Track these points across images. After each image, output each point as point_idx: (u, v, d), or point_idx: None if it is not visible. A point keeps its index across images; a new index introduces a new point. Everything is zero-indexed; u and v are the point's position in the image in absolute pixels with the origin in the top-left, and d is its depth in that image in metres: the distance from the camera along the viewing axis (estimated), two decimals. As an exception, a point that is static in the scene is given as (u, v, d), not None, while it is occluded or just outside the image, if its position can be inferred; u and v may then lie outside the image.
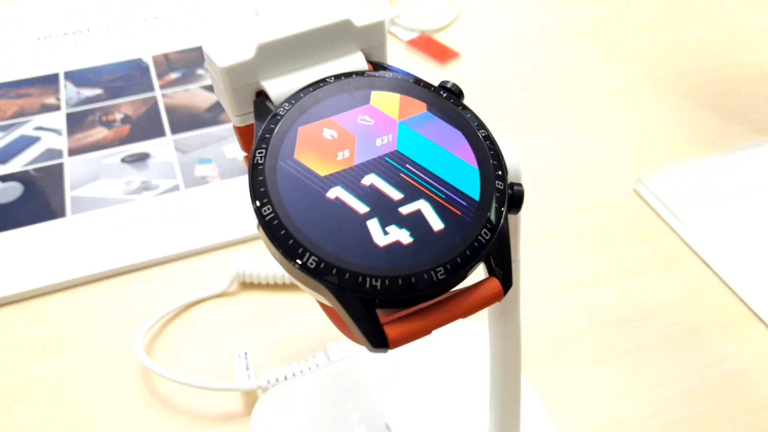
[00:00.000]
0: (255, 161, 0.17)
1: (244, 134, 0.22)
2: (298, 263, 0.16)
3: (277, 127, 0.18)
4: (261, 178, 0.17)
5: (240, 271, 0.35)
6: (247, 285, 0.36)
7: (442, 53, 0.53)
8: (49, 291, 0.36)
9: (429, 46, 0.54)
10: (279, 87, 0.19)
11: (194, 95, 0.49)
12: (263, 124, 0.18)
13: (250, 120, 0.20)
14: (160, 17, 0.57)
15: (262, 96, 0.20)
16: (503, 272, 0.18)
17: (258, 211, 0.17)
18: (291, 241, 0.16)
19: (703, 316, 0.35)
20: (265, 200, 0.17)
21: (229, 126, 0.46)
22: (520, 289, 0.23)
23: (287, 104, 0.18)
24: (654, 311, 0.35)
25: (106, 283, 0.36)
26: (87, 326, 0.34)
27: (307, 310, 0.34)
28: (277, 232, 0.16)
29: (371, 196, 0.17)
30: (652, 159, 0.43)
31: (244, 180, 0.42)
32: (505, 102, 0.48)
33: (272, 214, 0.17)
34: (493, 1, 0.59)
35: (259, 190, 0.17)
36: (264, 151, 0.18)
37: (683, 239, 0.38)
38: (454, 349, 0.31)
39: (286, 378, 0.30)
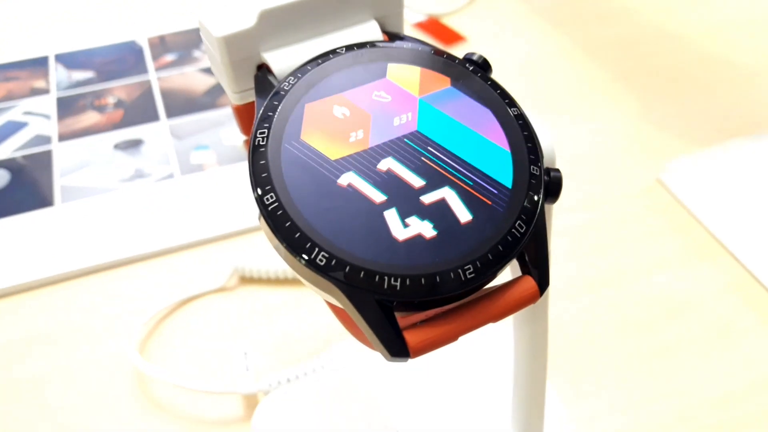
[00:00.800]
0: (256, 143, 0.15)
1: (244, 115, 0.20)
2: (305, 259, 0.14)
3: (281, 105, 0.16)
4: (263, 162, 0.15)
5: (239, 264, 0.33)
6: (246, 280, 0.34)
7: (448, 37, 0.51)
8: (35, 286, 0.34)
9: (436, 29, 0.52)
10: (283, 59, 0.17)
11: (191, 78, 0.46)
12: (265, 101, 0.16)
13: (251, 97, 0.18)
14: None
15: (263, 69, 0.17)
16: (539, 270, 0.16)
17: (260, 200, 0.15)
18: (297, 234, 0.14)
19: (734, 315, 0.32)
20: (268, 187, 0.15)
21: (228, 111, 0.44)
22: (549, 288, 0.20)
23: (292, 78, 0.16)
24: (681, 310, 0.33)
25: (96, 278, 0.34)
26: (75, 324, 0.32)
27: (311, 308, 0.32)
28: (282, 224, 0.14)
29: (389, 182, 0.15)
30: (677, 146, 0.41)
31: (243, 167, 0.40)
32: (517, 88, 0.46)
33: (276, 204, 0.14)
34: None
35: (260, 175, 0.15)
36: (266, 131, 0.15)
37: (711, 233, 0.36)
38: (472, 351, 0.29)
39: (288, 381, 0.28)
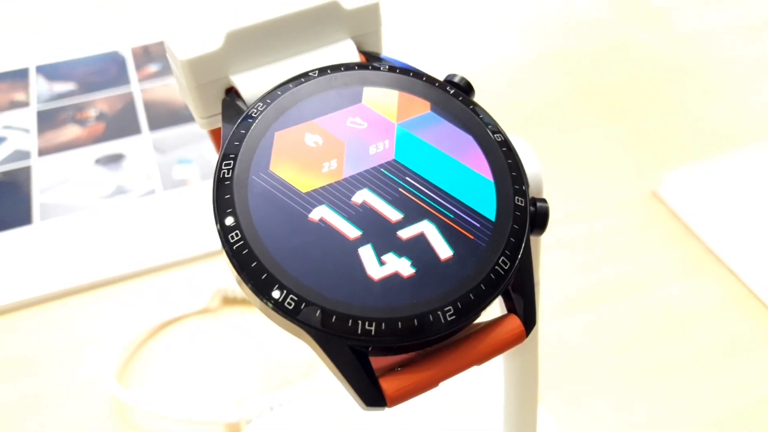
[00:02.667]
0: (221, 175, 0.14)
1: (217, 137, 0.19)
2: (272, 301, 0.13)
3: (248, 132, 0.15)
4: (228, 196, 0.14)
5: (222, 285, 0.32)
6: (230, 300, 0.33)
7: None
8: (11, 309, 0.33)
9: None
10: (252, 83, 0.16)
11: (174, 89, 0.45)
12: (232, 129, 0.15)
13: (220, 123, 0.17)
14: (139, 5, 0.54)
15: (232, 94, 0.16)
16: (525, 308, 0.15)
17: (224, 237, 0.14)
18: (264, 276, 0.13)
19: (733, 331, 0.32)
20: (233, 224, 0.14)
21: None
22: (539, 320, 0.19)
23: (261, 104, 0.15)
24: (679, 326, 0.32)
25: (74, 299, 0.33)
26: (51, 348, 0.31)
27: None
28: (247, 264, 0.13)
29: (364, 216, 0.14)
30: (672, 157, 0.40)
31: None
32: (508, 95, 0.45)
33: (241, 242, 0.13)
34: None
35: (225, 210, 0.14)
36: (232, 162, 0.14)
37: (707, 246, 0.35)
38: (461, 378, 0.28)
39: (272, 408, 0.27)
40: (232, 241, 0.14)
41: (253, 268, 0.13)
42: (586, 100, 0.45)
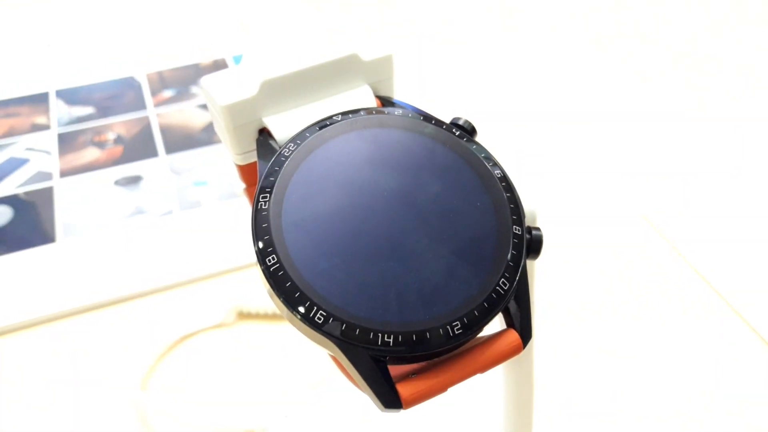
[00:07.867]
0: (258, 206, 0.16)
1: (245, 170, 0.21)
2: (302, 315, 0.15)
3: (281, 169, 0.17)
4: (265, 224, 0.16)
5: (238, 300, 0.34)
6: (245, 316, 0.35)
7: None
8: (36, 323, 0.35)
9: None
10: (283, 124, 0.18)
11: (189, 114, 0.48)
12: (267, 166, 0.17)
13: (252, 158, 0.19)
14: (154, 34, 0.56)
15: (265, 134, 0.19)
16: (522, 323, 0.17)
17: (262, 260, 0.16)
18: (297, 294, 0.15)
19: (720, 346, 0.33)
20: (270, 249, 0.16)
21: (225, 147, 0.45)
22: (534, 334, 0.21)
23: (292, 144, 0.17)
24: (667, 343, 0.34)
25: (96, 315, 0.35)
26: (74, 362, 0.33)
27: (310, 343, 0.33)
28: (282, 283, 0.15)
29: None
30: (662, 181, 0.42)
31: (241, 203, 0.41)
32: (502, 119, 0.47)
33: (277, 264, 0.16)
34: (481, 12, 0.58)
35: (263, 237, 0.16)
36: (268, 195, 0.17)
37: (695, 268, 0.37)
38: (463, 390, 0.30)
39: (287, 417, 0.29)
40: (269, 263, 0.16)
41: (287, 287, 0.15)
42: (576, 121, 0.47)
